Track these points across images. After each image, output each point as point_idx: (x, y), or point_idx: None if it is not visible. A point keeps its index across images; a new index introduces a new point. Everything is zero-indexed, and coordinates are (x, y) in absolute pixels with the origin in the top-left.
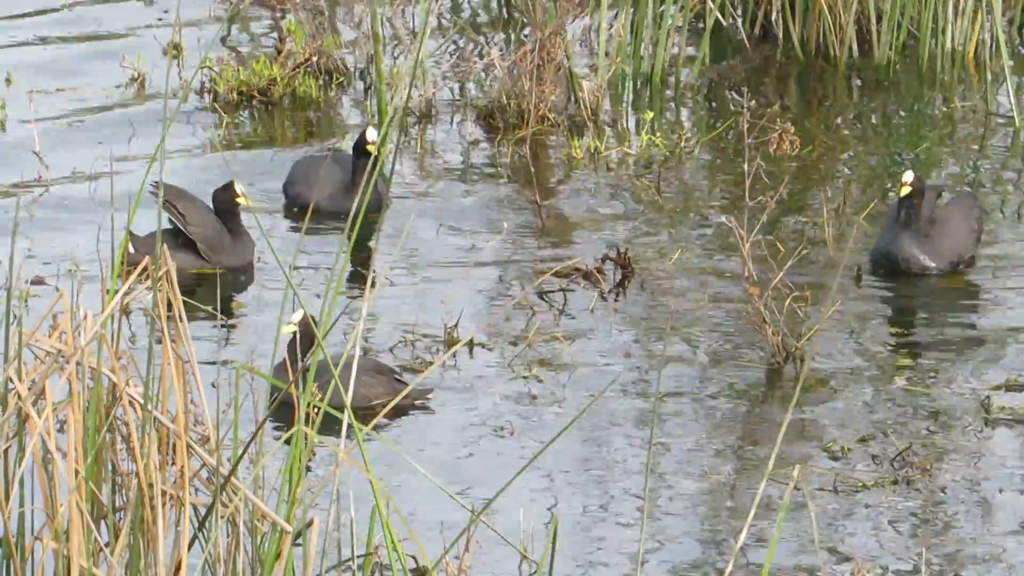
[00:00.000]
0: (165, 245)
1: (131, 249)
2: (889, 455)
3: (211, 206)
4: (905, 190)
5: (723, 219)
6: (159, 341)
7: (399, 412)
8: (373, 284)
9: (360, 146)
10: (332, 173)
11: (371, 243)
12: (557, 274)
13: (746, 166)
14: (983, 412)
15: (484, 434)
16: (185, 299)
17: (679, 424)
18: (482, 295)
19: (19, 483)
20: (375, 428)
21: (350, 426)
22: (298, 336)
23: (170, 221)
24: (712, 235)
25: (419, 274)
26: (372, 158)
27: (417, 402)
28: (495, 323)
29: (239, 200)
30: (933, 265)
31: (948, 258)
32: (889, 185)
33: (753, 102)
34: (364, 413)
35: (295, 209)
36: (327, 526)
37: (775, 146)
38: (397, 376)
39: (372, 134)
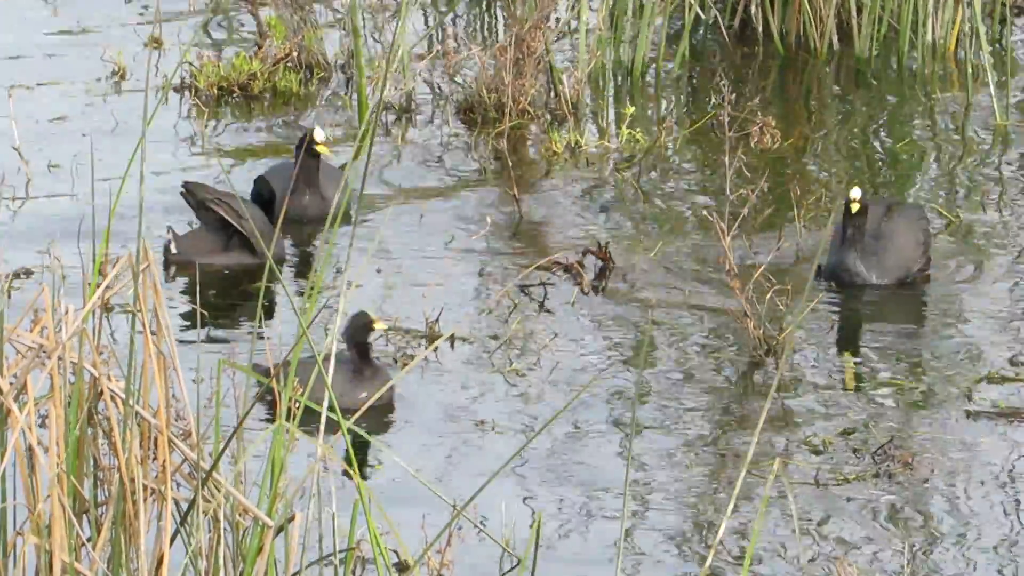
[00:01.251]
0: (145, 240)
1: (173, 249)
2: (871, 448)
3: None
4: (855, 207)
5: (704, 212)
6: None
7: (380, 406)
8: (349, 283)
9: (306, 146)
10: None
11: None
12: (538, 268)
13: (727, 159)
14: (965, 405)
15: (465, 428)
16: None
17: (660, 417)
18: (463, 290)
19: (0, 478)
20: (356, 423)
21: (333, 422)
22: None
23: (218, 220)
24: (693, 228)
25: (399, 269)
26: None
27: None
28: (476, 318)
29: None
30: (881, 281)
31: (895, 273)
32: (869, 178)
33: (734, 95)
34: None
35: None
36: (309, 521)
37: (756, 139)
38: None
39: (320, 134)
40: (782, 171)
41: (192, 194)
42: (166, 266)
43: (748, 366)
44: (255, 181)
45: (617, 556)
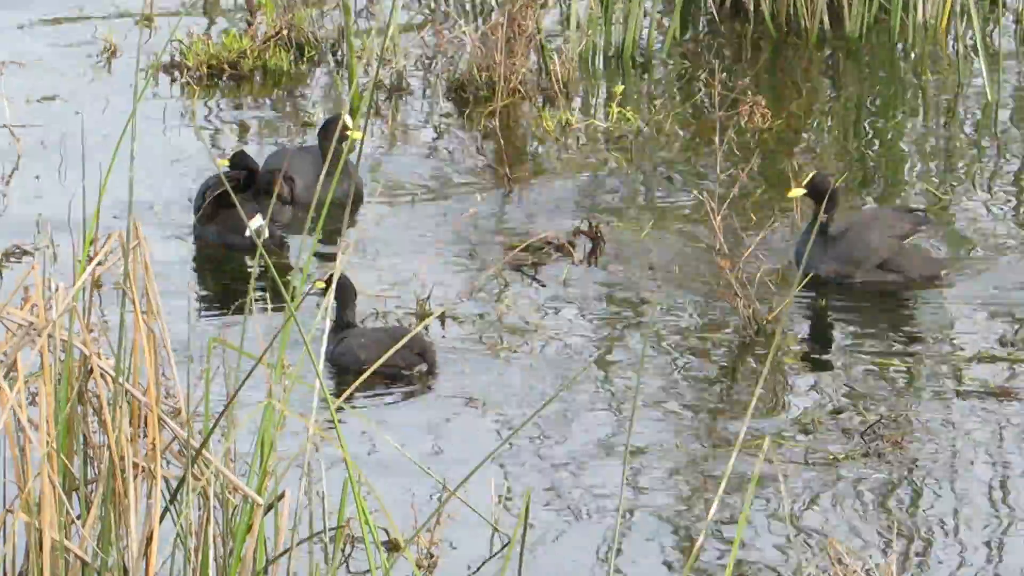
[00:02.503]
0: (135, 217)
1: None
2: (860, 428)
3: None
4: (799, 191)
5: (695, 192)
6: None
7: (372, 383)
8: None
9: (330, 133)
10: (305, 163)
11: (342, 219)
12: (528, 248)
13: (717, 139)
14: (954, 384)
15: (456, 407)
16: (157, 271)
17: (650, 397)
18: (454, 268)
19: None
20: (347, 400)
21: (323, 399)
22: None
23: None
24: (684, 207)
25: (390, 248)
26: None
27: (406, 372)
28: (467, 296)
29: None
30: (843, 273)
31: (861, 265)
32: (860, 157)
33: (724, 74)
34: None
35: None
36: (299, 499)
37: (746, 119)
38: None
39: (350, 120)
40: (773, 151)
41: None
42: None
43: (738, 345)
44: (234, 155)
45: (615, 536)
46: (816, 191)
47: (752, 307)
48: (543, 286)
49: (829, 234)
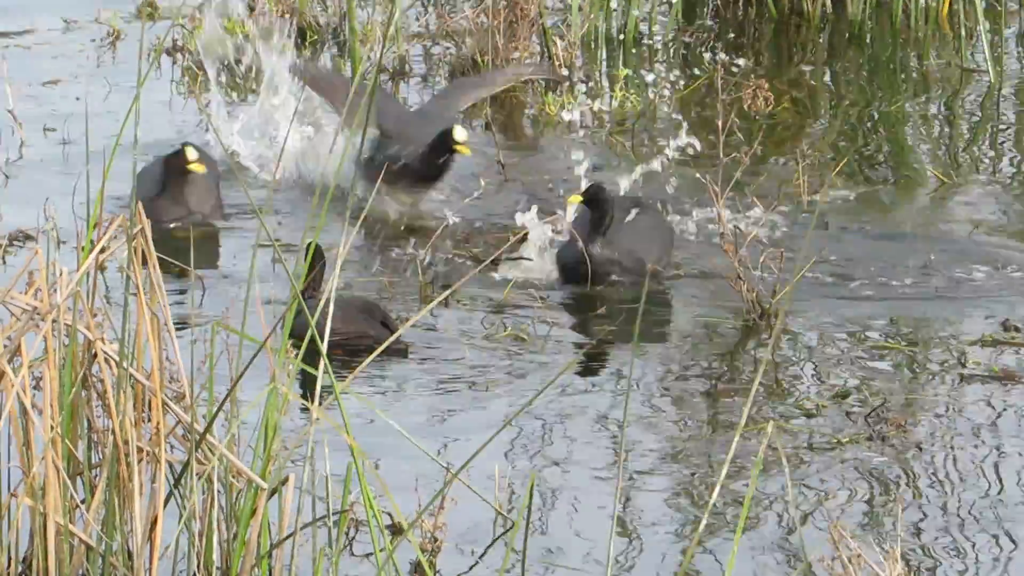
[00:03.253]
0: (140, 203)
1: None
2: (863, 412)
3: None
4: (577, 200)
5: (698, 175)
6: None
7: (375, 367)
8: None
9: (446, 144)
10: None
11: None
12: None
13: (719, 122)
14: (959, 368)
15: (459, 390)
16: (160, 256)
17: (654, 381)
18: (458, 251)
19: None
20: (351, 385)
21: (327, 384)
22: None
23: None
24: (686, 190)
25: (392, 232)
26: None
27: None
28: (469, 279)
29: (190, 167)
30: (621, 277)
31: (633, 269)
32: (862, 141)
33: (725, 57)
34: (342, 348)
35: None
36: (303, 483)
37: (749, 102)
38: (384, 321)
39: (461, 133)
40: (775, 134)
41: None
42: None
43: (742, 330)
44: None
45: (613, 519)
46: (593, 200)
47: (755, 291)
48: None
49: (602, 238)
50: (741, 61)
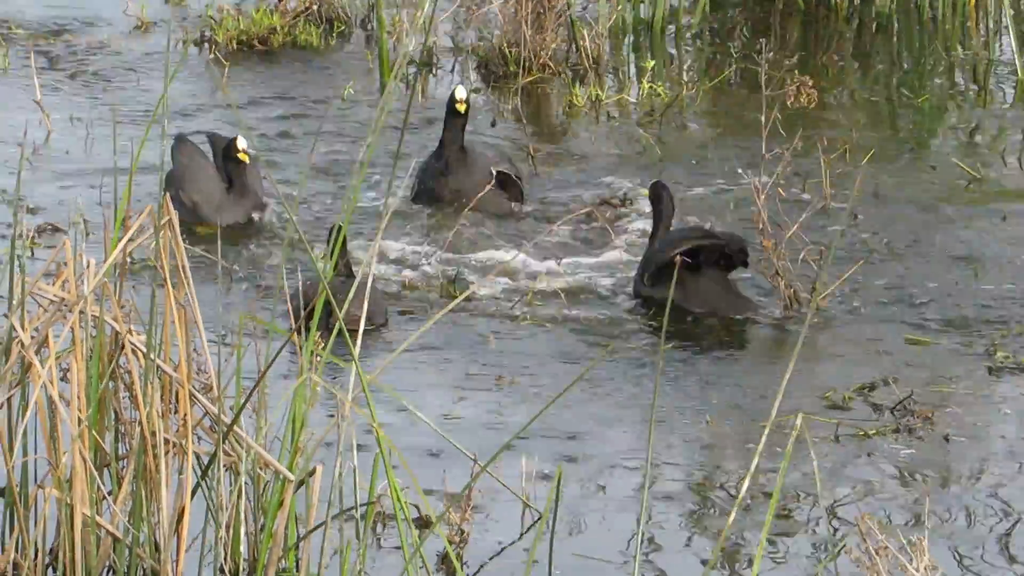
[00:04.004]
0: (168, 195)
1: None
2: (891, 404)
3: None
4: (463, 107)
5: (739, 171)
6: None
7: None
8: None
9: (450, 106)
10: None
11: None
12: (565, 224)
13: (763, 118)
14: (986, 360)
15: (486, 383)
16: (187, 247)
17: (683, 373)
18: (485, 244)
19: (23, 432)
20: (379, 378)
21: (356, 377)
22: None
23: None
24: (716, 184)
25: (418, 222)
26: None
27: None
28: (497, 271)
29: (240, 156)
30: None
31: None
32: (890, 134)
33: (770, 52)
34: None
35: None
36: (331, 475)
37: (791, 98)
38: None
39: (461, 92)
40: (803, 127)
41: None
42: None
43: (774, 323)
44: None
45: (642, 512)
46: (654, 198)
47: (793, 287)
48: (573, 262)
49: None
50: (770, 54)
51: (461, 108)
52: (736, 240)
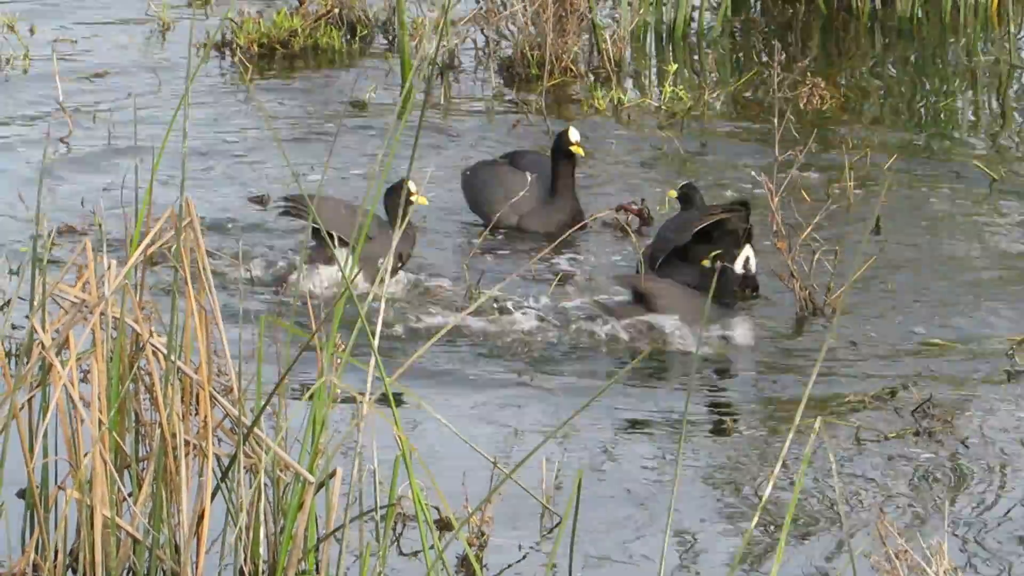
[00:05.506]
0: (189, 200)
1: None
2: (910, 407)
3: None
4: (671, 195)
5: (753, 173)
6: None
7: (421, 364)
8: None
9: (561, 147)
10: (520, 184)
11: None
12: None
13: (776, 120)
14: (1006, 365)
15: (507, 386)
16: (209, 251)
17: (703, 377)
18: (505, 249)
19: (43, 433)
20: (400, 380)
21: (377, 378)
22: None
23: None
24: (737, 187)
25: (438, 228)
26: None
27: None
28: (515, 278)
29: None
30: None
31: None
32: (912, 138)
33: (783, 56)
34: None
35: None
36: (351, 477)
37: (805, 101)
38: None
39: (575, 134)
40: (825, 131)
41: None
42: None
43: (793, 326)
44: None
45: (669, 516)
46: (684, 198)
47: (808, 289)
48: (591, 267)
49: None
50: (790, 58)
51: (579, 151)
52: (739, 215)
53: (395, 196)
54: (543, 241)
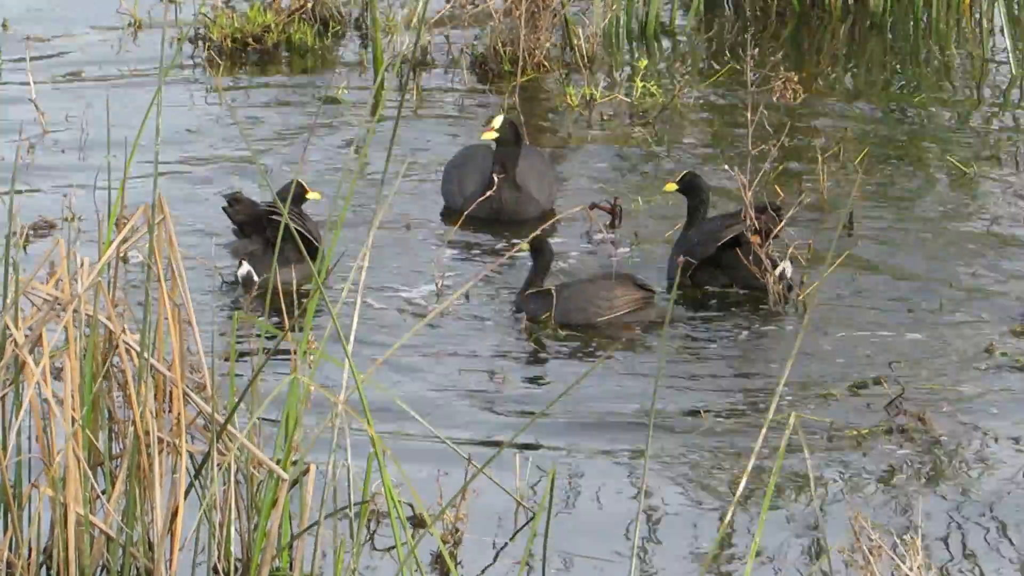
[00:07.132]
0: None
1: (255, 279)
2: (884, 402)
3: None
4: (671, 187)
5: (725, 167)
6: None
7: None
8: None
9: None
10: (476, 170)
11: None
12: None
13: (749, 115)
14: (980, 359)
15: (480, 382)
16: (182, 249)
17: (677, 371)
18: (477, 245)
19: (16, 431)
20: (372, 377)
21: (349, 377)
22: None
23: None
24: (711, 180)
25: (411, 224)
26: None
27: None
28: (488, 274)
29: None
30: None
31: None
32: (885, 132)
33: (756, 50)
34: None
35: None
36: (324, 474)
37: (778, 94)
38: (639, 283)
39: (497, 120)
40: (797, 126)
41: (238, 209)
42: (246, 289)
43: (766, 320)
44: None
45: (637, 511)
46: (689, 188)
47: (781, 283)
48: (562, 263)
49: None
50: (764, 53)
51: (489, 136)
52: (765, 213)
53: (283, 192)
54: (494, 228)
